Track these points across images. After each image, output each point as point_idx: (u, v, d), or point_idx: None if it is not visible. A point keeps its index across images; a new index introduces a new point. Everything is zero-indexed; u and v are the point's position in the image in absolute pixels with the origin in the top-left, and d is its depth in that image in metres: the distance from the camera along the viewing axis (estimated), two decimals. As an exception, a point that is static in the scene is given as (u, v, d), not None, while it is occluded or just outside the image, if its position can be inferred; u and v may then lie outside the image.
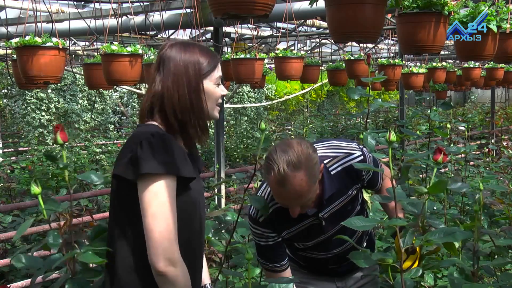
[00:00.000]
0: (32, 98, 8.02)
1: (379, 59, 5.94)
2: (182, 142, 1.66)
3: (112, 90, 9.24)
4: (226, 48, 5.13)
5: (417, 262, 1.91)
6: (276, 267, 2.02)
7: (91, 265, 1.70)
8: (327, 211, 1.96)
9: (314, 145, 1.97)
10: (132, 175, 1.52)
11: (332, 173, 1.92)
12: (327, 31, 5.81)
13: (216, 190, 4.75)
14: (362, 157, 1.95)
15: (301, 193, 1.75)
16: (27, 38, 3.19)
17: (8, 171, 7.40)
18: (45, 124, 8.18)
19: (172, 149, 1.53)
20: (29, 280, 3.62)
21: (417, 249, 1.91)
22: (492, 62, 6.70)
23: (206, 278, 1.83)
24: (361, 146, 2.02)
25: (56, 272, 1.76)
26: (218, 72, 1.67)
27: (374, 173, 2.00)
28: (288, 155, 1.72)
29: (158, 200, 1.49)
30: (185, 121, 1.61)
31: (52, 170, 7.08)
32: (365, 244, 2.16)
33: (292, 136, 10.29)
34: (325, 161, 1.92)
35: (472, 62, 6.92)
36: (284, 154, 1.73)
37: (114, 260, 1.59)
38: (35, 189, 1.69)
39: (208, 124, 1.70)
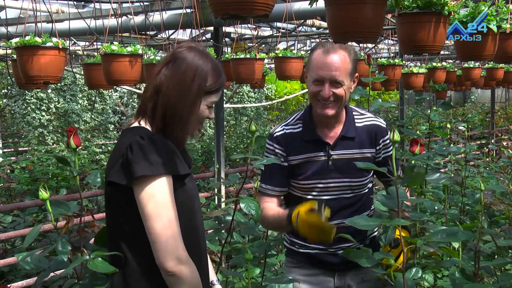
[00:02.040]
0: (32, 98, 8.02)
1: (379, 59, 5.94)
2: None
3: (112, 90, 9.24)
4: (226, 48, 5.13)
5: (401, 257, 1.89)
6: (268, 189, 2.09)
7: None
8: (337, 153, 2.04)
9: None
10: (126, 180, 1.51)
11: (356, 124, 2.07)
12: (327, 31, 5.81)
13: (216, 190, 4.75)
14: (386, 127, 2.10)
15: (339, 65, 1.94)
16: (27, 38, 3.19)
17: (8, 171, 7.40)
18: (45, 124, 8.18)
19: (163, 149, 1.52)
20: (29, 280, 3.62)
21: (401, 243, 1.90)
22: (492, 62, 6.70)
23: (212, 274, 1.82)
24: None
25: (58, 272, 1.76)
26: (216, 97, 1.66)
27: (390, 151, 2.07)
28: (340, 44, 1.99)
29: (156, 202, 1.48)
30: (168, 124, 1.60)
31: (52, 170, 7.08)
32: (368, 242, 2.13)
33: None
34: (354, 113, 2.09)
35: (472, 62, 6.92)
36: (337, 44, 1.99)
37: (120, 266, 1.57)
38: (43, 194, 1.68)
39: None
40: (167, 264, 1.47)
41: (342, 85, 1.96)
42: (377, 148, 2.09)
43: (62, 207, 1.72)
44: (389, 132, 2.07)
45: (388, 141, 2.09)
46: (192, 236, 1.63)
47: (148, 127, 1.62)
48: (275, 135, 2.10)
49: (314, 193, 2.07)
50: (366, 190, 2.11)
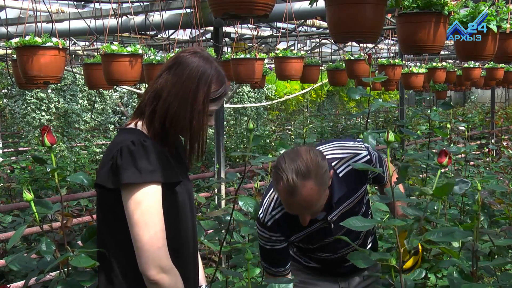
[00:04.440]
0: (32, 98, 8.02)
1: (379, 59, 5.94)
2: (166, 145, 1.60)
3: (112, 90, 9.24)
4: (226, 48, 5.13)
5: (419, 263, 1.92)
6: (279, 271, 2.00)
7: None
8: (335, 214, 1.94)
9: (320, 146, 1.96)
10: (113, 184, 1.50)
11: (340, 175, 1.90)
12: (327, 31, 5.81)
13: (216, 190, 4.74)
14: (368, 156, 1.95)
15: (311, 202, 1.73)
16: (27, 38, 3.19)
17: (8, 171, 7.40)
18: (45, 124, 8.18)
19: (153, 156, 1.50)
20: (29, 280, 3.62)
21: (420, 250, 1.92)
22: (492, 62, 6.69)
23: (202, 279, 1.81)
24: (366, 145, 2.02)
25: (52, 273, 1.77)
26: (217, 105, 1.62)
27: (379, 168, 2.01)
28: (297, 164, 1.69)
29: (142, 209, 1.47)
30: (168, 131, 1.57)
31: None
32: (370, 245, 2.16)
33: (292, 136, 10.28)
34: (333, 163, 1.91)
35: (472, 62, 6.91)
36: (293, 162, 1.70)
37: (106, 266, 1.57)
38: (27, 195, 1.70)
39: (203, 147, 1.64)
40: (149, 272, 1.46)
41: (320, 206, 1.80)
42: (368, 177, 2.00)
43: (43, 206, 1.74)
44: (373, 158, 1.97)
45: (374, 165, 1.97)
46: (180, 243, 1.62)
47: (144, 130, 1.59)
48: (268, 224, 1.93)
49: (318, 246, 2.04)
50: (364, 208, 2.09)
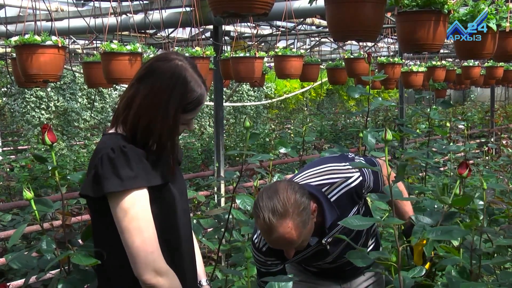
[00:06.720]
0: (31, 96, 8.02)
1: (378, 58, 5.94)
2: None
3: (111, 88, 9.23)
4: (225, 46, 5.13)
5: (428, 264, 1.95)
6: None
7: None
8: (330, 236, 1.91)
9: (310, 170, 1.91)
10: (96, 193, 1.49)
11: (332, 199, 1.86)
12: (327, 29, 5.81)
13: (215, 188, 4.75)
14: (360, 177, 1.89)
15: (290, 240, 1.69)
16: (26, 36, 3.18)
17: (8, 169, 7.40)
18: (45, 122, 8.17)
19: (134, 161, 1.48)
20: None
21: (432, 254, 1.94)
22: (491, 61, 6.69)
23: (201, 274, 1.81)
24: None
25: (52, 272, 1.77)
26: (192, 114, 1.58)
27: (374, 184, 1.95)
28: (274, 203, 1.67)
29: (130, 216, 1.45)
30: (141, 138, 1.54)
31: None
32: (371, 247, 2.15)
33: (292, 135, 10.28)
34: (323, 189, 1.86)
35: (472, 60, 6.91)
36: (270, 201, 1.67)
37: (104, 267, 1.58)
38: (27, 194, 1.70)
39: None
40: (144, 277, 1.45)
41: (303, 241, 1.77)
42: (363, 196, 1.95)
43: (44, 205, 1.74)
44: (366, 177, 1.91)
45: (367, 184, 1.92)
46: (174, 243, 1.61)
47: (125, 134, 1.57)
48: (263, 249, 1.92)
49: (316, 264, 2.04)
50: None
